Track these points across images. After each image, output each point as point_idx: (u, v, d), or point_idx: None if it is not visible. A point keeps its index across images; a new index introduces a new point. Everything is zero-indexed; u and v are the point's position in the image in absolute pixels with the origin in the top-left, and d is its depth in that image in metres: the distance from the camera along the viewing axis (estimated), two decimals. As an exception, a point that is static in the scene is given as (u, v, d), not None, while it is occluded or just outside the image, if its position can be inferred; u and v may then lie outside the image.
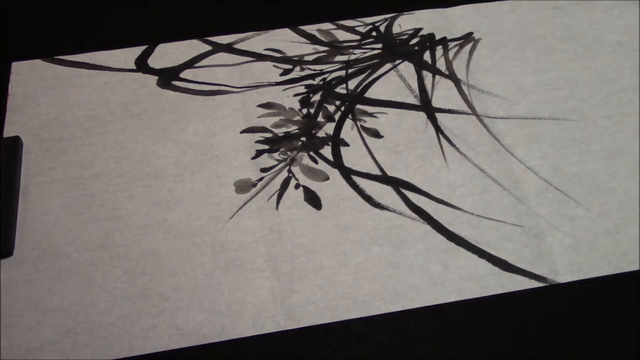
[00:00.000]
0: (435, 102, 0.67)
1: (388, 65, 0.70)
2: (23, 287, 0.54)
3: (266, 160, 0.63)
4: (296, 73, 0.70)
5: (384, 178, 0.61)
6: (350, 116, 0.66)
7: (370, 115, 0.66)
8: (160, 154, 0.63)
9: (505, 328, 0.53)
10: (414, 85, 0.68)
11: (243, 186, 0.61)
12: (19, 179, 0.61)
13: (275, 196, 0.60)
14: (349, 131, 0.65)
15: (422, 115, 0.66)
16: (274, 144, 0.64)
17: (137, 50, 0.72)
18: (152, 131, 0.65)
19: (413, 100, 0.67)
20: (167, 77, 0.69)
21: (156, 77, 0.69)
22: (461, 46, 0.72)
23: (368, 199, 0.60)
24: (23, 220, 0.58)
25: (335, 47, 0.72)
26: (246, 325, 0.52)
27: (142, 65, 0.70)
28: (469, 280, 0.55)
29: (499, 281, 0.55)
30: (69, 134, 0.64)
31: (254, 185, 0.61)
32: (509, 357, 0.51)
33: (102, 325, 0.52)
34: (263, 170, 0.62)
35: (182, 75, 0.69)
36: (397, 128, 0.65)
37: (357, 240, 0.57)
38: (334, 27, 0.74)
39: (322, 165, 0.62)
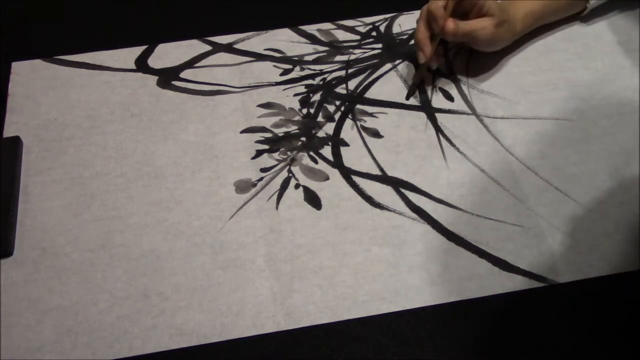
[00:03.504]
0: (435, 102, 0.67)
1: (388, 65, 0.70)
2: (23, 287, 0.54)
3: (266, 160, 0.62)
4: (296, 73, 0.70)
5: (384, 178, 0.61)
6: (350, 116, 0.66)
7: (370, 115, 0.66)
8: (160, 154, 0.63)
9: (505, 328, 0.53)
10: (414, 85, 0.69)
11: (243, 186, 0.61)
12: (19, 179, 0.61)
13: (275, 196, 0.60)
14: (349, 131, 0.65)
15: (422, 115, 0.66)
16: (274, 144, 0.64)
17: (137, 50, 0.72)
18: (152, 131, 0.65)
19: (413, 100, 0.67)
20: (167, 77, 0.69)
21: (156, 77, 0.69)
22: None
23: (368, 199, 0.60)
24: (23, 220, 0.58)
25: (335, 47, 0.72)
26: (246, 325, 0.52)
27: (142, 65, 0.70)
28: (469, 280, 0.55)
29: (499, 281, 0.55)
30: (69, 134, 0.64)
31: (254, 185, 0.61)
32: (509, 357, 0.51)
33: (102, 325, 0.52)
34: (263, 170, 0.62)
35: (182, 75, 0.69)
36: (397, 128, 0.65)
37: (357, 240, 0.57)
38: (334, 27, 0.74)
39: (322, 165, 0.62)
